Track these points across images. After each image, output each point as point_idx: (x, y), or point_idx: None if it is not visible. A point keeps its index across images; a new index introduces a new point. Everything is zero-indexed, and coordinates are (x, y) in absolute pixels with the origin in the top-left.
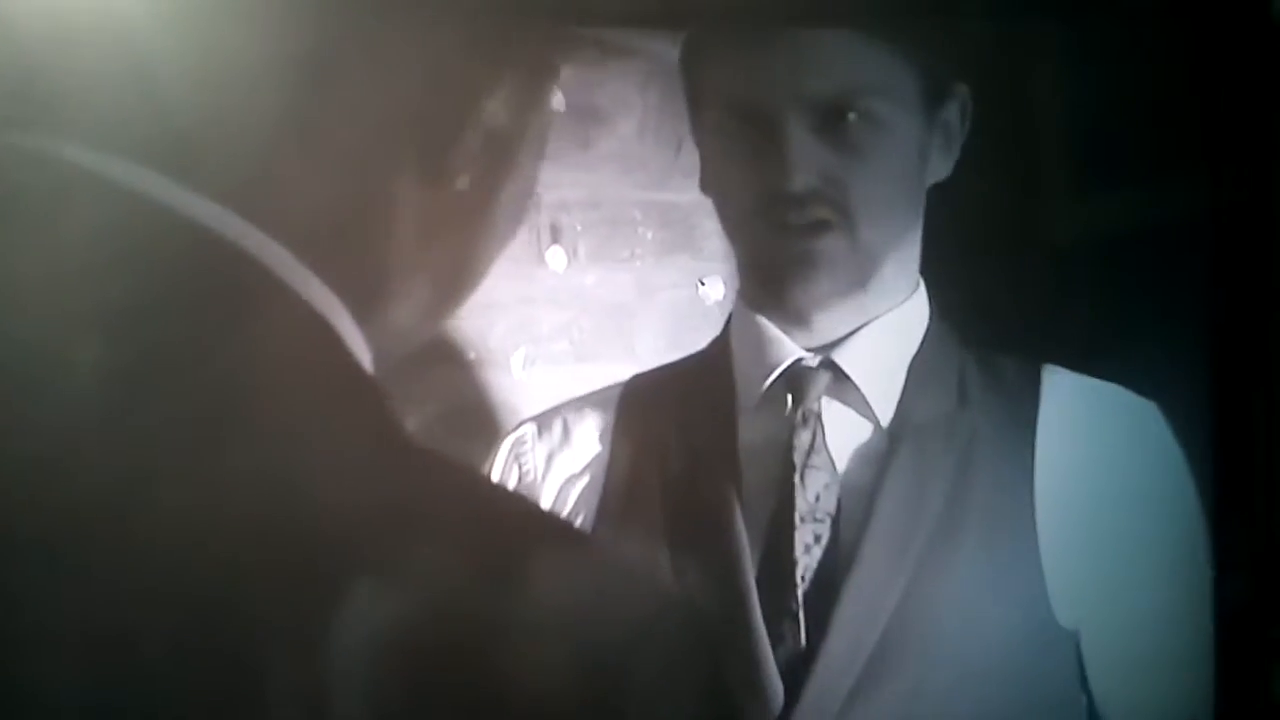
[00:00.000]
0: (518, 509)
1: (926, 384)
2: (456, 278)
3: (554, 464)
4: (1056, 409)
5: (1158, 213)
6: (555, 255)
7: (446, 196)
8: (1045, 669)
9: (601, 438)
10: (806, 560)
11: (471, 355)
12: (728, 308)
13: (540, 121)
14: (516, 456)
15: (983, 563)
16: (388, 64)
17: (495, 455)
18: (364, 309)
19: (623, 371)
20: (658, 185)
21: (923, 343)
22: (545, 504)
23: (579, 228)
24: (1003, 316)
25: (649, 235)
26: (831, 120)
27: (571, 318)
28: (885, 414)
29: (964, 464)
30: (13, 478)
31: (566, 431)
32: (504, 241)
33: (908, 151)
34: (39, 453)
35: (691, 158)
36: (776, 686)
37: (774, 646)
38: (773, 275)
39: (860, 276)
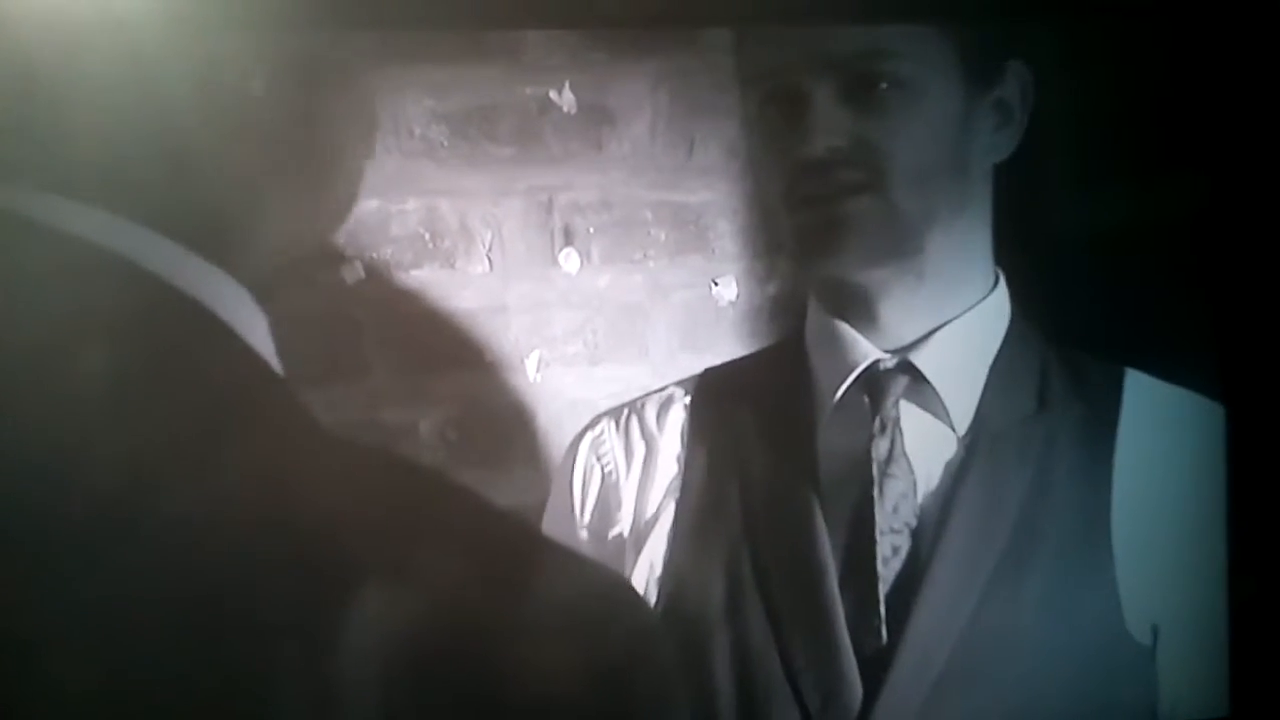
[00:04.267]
0: (453, 493)
1: (1007, 387)
2: (317, 183)
3: (633, 462)
4: (1138, 417)
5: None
6: (568, 257)
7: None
8: (1119, 684)
9: (680, 436)
10: (884, 573)
11: (487, 358)
12: (741, 307)
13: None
14: (598, 456)
15: (1058, 577)
16: None
17: (576, 454)
18: (220, 245)
19: (637, 373)
20: (670, 186)
21: (1004, 343)
22: (628, 503)
23: (592, 230)
24: (1086, 314)
25: (661, 236)
26: (861, 87)
27: (585, 319)
28: (964, 418)
29: (1041, 473)
30: None
31: (643, 428)
32: (365, 149)
33: (945, 120)
34: None
35: (703, 158)
36: (857, 698)
37: (857, 659)
38: (811, 250)
39: (900, 246)
